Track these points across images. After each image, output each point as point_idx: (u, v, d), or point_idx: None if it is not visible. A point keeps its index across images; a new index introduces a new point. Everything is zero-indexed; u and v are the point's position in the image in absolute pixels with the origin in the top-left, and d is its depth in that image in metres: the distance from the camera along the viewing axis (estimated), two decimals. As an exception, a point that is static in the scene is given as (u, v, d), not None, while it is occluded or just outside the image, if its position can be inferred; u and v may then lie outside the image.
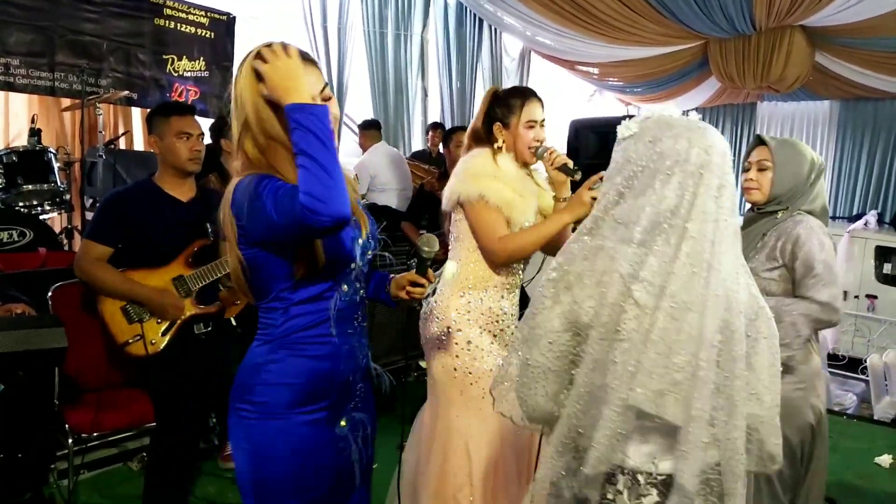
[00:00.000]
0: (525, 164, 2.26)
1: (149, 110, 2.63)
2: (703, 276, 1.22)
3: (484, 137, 2.25)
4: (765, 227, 2.26)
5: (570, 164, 2.18)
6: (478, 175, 2.14)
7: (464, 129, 4.57)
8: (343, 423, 1.56)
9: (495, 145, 2.21)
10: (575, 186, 2.20)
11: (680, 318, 1.21)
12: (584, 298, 1.27)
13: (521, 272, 2.29)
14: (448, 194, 2.19)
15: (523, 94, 2.24)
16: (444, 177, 4.34)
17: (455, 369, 2.19)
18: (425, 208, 4.29)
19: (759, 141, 2.31)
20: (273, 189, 1.33)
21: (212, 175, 3.29)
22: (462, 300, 2.19)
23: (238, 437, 1.51)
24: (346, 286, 1.51)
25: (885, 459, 3.83)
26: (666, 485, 1.27)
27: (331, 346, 1.50)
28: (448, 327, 2.18)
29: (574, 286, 1.28)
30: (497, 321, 2.22)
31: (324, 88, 1.46)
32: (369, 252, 1.59)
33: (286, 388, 1.47)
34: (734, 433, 1.24)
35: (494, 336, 2.21)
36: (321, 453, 1.51)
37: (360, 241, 1.54)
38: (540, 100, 2.26)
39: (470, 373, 2.17)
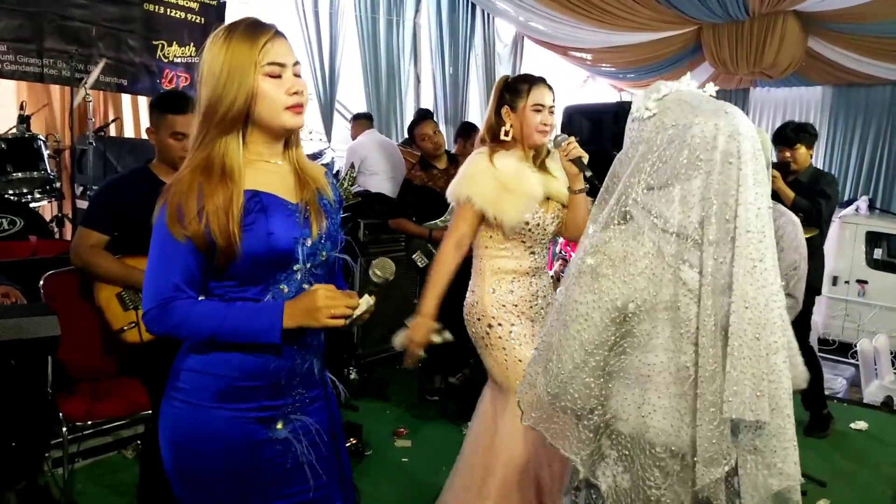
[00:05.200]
0: (535, 149, 2.32)
1: (151, 98, 2.59)
2: (761, 267, 1.18)
3: (496, 126, 2.32)
4: None
5: (585, 158, 2.22)
6: (471, 176, 2.25)
7: (425, 117, 4.49)
8: (279, 425, 1.49)
9: (503, 129, 2.28)
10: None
11: (754, 317, 1.16)
12: (631, 285, 1.22)
13: (544, 256, 2.36)
14: (449, 195, 2.32)
15: (531, 79, 2.33)
16: (426, 167, 4.29)
17: (505, 360, 2.26)
18: (417, 201, 4.22)
19: None
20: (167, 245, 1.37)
21: None
22: (494, 295, 2.28)
23: (164, 423, 1.47)
24: (285, 286, 1.44)
25: (861, 425, 4.09)
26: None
27: (258, 346, 1.42)
28: (489, 324, 2.27)
29: (618, 272, 1.22)
30: (532, 305, 2.30)
31: (294, 64, 1.42)
32: (323, 253, 1.49)
33: (210, 377, 1.43)
34: (789, 409, 1.26)
35: (533, 320, 2.30)
36: (252, 454, 1.45)
37: (310, 241, 1.46)
38: (549, 86, 2.33)
39: (519, 360, 2.23)
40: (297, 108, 1.41)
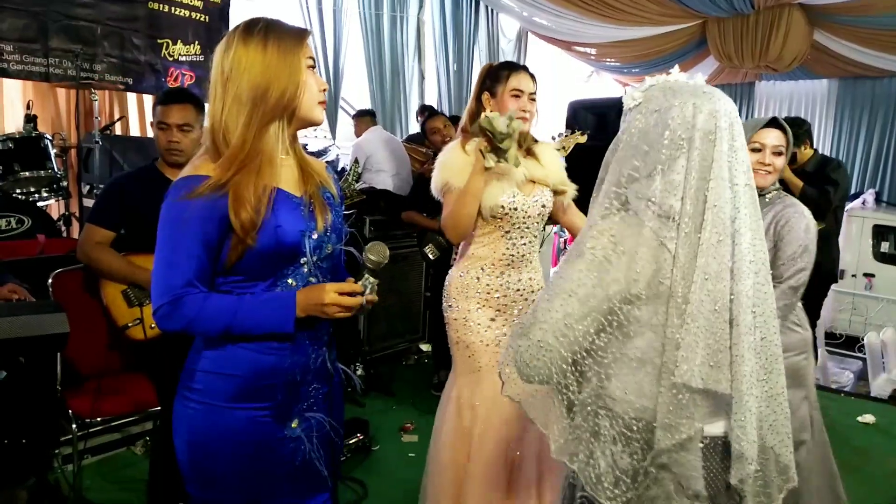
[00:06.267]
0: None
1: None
2: (728, 242, 1.22)
3: (476, 112, 2.33)
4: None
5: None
6: (445, 165, 2.28)
7: (435, 113, 4.52)
8: (294, 423, 1.50)
9: (483, 114, 2.26)
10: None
11: (713, 289, 1.20)
12: (634, 272, 1.24)
13: (526, 245, 2.31)
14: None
15: (510, 66, 2.36)
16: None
17: (457, 342, 2.34)
18: (425, 195, 4.25)
19: (776, 124, 2.28)
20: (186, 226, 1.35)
21: None
22: (461, 279, 2.33)
23: (178, 424, 1.47)
24: (292, 280, 1.45)
25: (868, 418, 4.09)
26: (711, 448, 1.27)
27: (271, 338, 1.44)
28: (450, 304, 2.35)
29: (620, 261, 1.25)
30: (499, 297, 2.30)
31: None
32: (328, 246, 1.51)
33: (225, 378, 1.43)
34: (776, 389, 1.27)
35: (498, 311, 2.30)
36: (268, 453, 1.46)
37: (316, 234, 1.46)
38: (529, 73, 2.34)
39: (467, 346, 2.30)
40: (324, 104, 1.49)
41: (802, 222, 2.24)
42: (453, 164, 2.26)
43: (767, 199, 2.30)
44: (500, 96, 2.29)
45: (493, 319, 2.29)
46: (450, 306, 2.35)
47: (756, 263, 1.25)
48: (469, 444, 2.27)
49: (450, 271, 2.41)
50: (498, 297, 2.29)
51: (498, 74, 2.31)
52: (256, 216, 1.36)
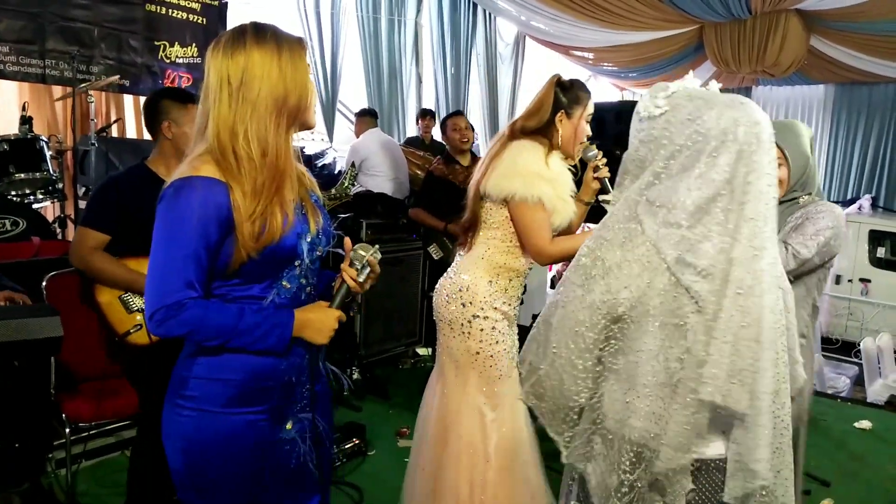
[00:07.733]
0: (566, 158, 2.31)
1: (157, 92, 2.51)
2: (761, 256, 1.19)
3: (543, 126, 2.23)
4: (787, 212, 2.23)
5: (608, 181, 2.28)
6: (539, 175, 2.14)
7: (460, 113, 4.54)
8: (289, 425, 1.50)
9: (557, 135, 2.23)
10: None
11: (745, 304, 1.17)
12: (619, 288, 1.22)
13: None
14: (500, 188, 2.17)
15: (587, 89, 2.32)
16: (449, 161, 4.30)
17: (478, 353, 2.26)
18: (437, 194, 4.24)
19: None
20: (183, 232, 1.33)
21: None
22: (491, 287, 2.26)
23: (172, 432, 1.45)
24: (287, 283, 1.45)
25: (865, 424, 4.10)
26: (702, 470, 1.24)
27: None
28: (474, 313, 2.25)
29: (609, 274, 1.23)
30: (514, 306, 2.33)
31: None
32: (319, 249, 1.52)
33: (221, 383, 1.41)
34: (783, 410, 1.24)
35: (509, 320, 2.31)
36: (264, 456, 1.46)
37: (309, 237, 1.47)
38: None
39: (490, 356, 2.25)
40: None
41: (830, 220, 2.17)
42: (544, 179, 2.14)
43: (800, 203, 2.25)
44: (576, 119, 2.25)
45: (509, 327, 2.30)
46: (475, 315, 2.24)
47: (777, 278, 1.23)
48: (490, 445, 2.25)
49: (465, 276, 2.28)
50: (515, 309, 2.32)
51: (578, 96, 2.26)
52: (286, 225, 1.39)
